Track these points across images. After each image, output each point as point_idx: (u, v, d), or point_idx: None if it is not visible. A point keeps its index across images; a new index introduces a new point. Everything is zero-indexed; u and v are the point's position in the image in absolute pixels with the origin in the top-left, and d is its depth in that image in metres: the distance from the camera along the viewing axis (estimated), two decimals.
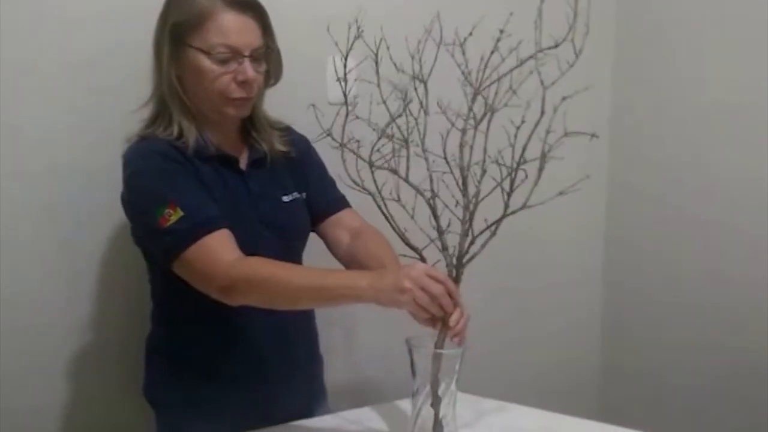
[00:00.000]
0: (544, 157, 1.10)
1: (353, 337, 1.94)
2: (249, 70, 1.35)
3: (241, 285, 1.25)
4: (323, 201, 1.53)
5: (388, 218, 1.17)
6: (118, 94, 1.53)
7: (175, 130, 1.37)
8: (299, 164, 1.51)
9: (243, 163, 1.45)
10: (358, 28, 1.18)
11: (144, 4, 1.42)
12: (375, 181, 1.17)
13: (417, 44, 1.16)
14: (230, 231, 1.31)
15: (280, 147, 1.48)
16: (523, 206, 1.12)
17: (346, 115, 1.14)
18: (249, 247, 1.33)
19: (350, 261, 1.49)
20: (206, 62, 1.34)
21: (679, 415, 2.28)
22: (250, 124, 1.47)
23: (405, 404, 1.39)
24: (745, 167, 2.13)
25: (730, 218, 2.16)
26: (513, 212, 1.12)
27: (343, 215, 1.53)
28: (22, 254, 1.51)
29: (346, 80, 1.13)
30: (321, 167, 1.55)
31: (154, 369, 1.49)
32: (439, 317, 1.17)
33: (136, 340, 1.52)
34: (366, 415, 1.43)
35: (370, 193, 1.15)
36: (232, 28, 1.34)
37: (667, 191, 2.32)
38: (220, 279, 1.26)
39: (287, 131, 1.52)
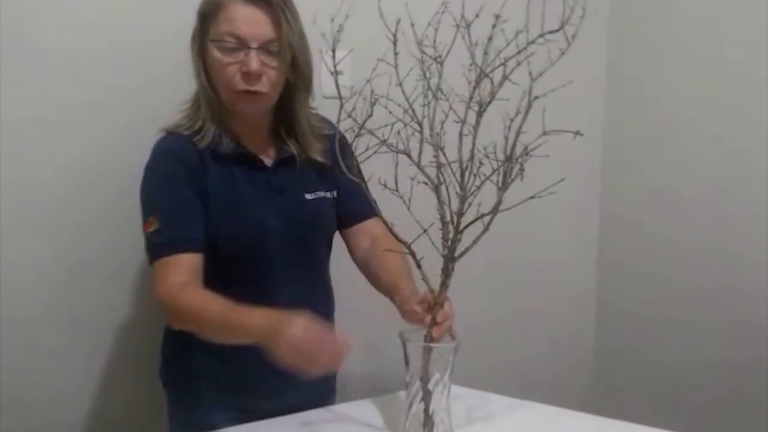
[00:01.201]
0: (523, 156, 1.09)
1: (354, 329, 1.94)
2: (253, 61, 1.34)
3: (171, 312, 1.34)
4: (352, 207, 1.53)
5: (377, 210, 1.17)
6: (143, 91, 1.58)
7: (198, 124, 1.39)
8: (333, 167, 1.46)
9: (269, 161, 1.45)
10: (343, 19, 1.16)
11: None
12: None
13: (428, 23, 1.13)
14: (200, 253, 1.35)
15: (317, 157, 1.47)
16: (494, 210, 1.11)
17: (340, 108, 1.13)
18: (258, 246, 1.38)
19: (364, 268, 1.52)
20: (215, 52, 1.36)
21: (672, 402, 2.30)
22: (289, 129, 1.46)
23: (396, 397, 1.40)
24: (744, 163, 2.14)
25: (727, 199, 2.19)
26: (494, 211, 1.11)
27: (368, 223, 1.53)
28: (44, 245, 1.54)
29: (336, 73, 1.12)
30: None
31: (166, 350, 1.53)
32: (428, 314, 1.17)
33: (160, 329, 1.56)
34: (363, 407, 1.43)
35: (360, 182, 1.15)
36: (240, 17, 1.34)
37: (661, 174, 2.34)
38: (161, 300, 1.33)
39: (329, 136, 1.47)
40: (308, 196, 1.48)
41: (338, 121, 1.12)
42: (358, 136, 1.12)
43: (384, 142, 1.11)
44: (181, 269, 1.32)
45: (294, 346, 1.14)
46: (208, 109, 1.40)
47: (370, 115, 1.12)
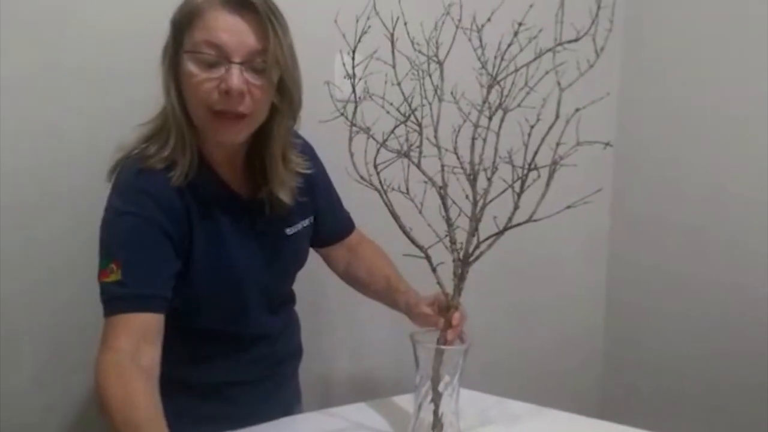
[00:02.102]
0: (554, 166, 1.07)
1: (352, 333, 1.96)
2: (234, 77, 1.15)
3: (96, 392, 1.10)
4: (333, 228, 1.52)
5: (394, 216, 1.14)
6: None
7: (169, 154, 1.21)
8: (307, 189, 1.38)
9: (246, 195, 1.32)
10: (367, 20, 1.13)
11: None
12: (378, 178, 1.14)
13: (434, 25, 1.10)
14: (161, 314, 1.17)
15: (284, 198, 1.32)
16: (530, 218, 1.11)
17: (354, 111, 1.12)
18: (235, 294, 1.30)
19: (349, 277, 1.53)
20: (189, 65, 1.17)
21: (683, 397, 2.30)
22: (262, 170, 1.30)
23: (400, 400, 1.41)
24: (757, 160, 2.13)
25: (740, 195, 2.17)
26: (519, 224, 1.11)
27: (349, 238, 1.54)
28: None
29: (354, 75, 1.10)
30: (329, 189, 1.48)
31: None
32: (441, 317, 1.18)
33: None
34: (362, 411, 1.42)
35: (377, 189, 1.13)
36: (221, 26, 1.15)
37: (673, 169, 2.33)
38: (95, 373, 1.11)
39: (307, 175, 1.36)
40: (288, 231, 1.37)
41: (351, 123, 1.12)
42: (379, 147, 1.11)
43: (397, 151, 1.11)
44: (131, 332, 1.12)
45: None
46: (177, 134, 1.21)
47: (403, 122, 1.10)
